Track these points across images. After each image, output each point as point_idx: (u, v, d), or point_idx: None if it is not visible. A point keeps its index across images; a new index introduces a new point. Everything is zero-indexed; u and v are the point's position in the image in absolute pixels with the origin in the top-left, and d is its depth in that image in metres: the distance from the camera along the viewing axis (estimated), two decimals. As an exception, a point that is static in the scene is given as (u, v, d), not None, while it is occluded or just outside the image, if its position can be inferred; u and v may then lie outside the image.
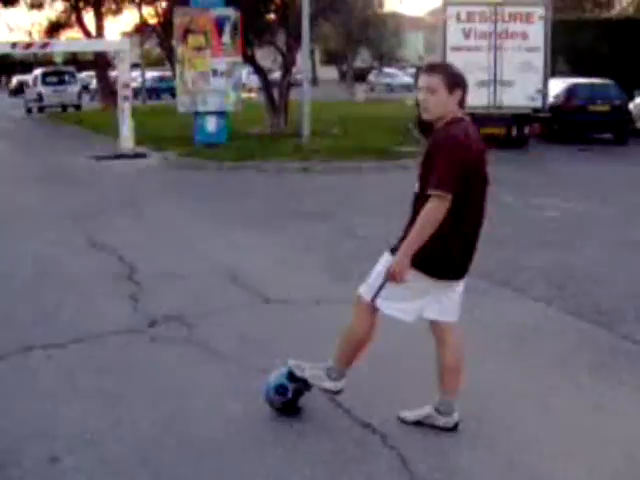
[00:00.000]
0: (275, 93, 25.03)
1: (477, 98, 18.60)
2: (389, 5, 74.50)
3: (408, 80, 54.46)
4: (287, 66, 25.10)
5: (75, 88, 44.38)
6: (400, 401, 5.27)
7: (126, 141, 21.15)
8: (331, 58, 74.02)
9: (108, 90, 41.81)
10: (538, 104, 20.63)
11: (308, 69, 21.63)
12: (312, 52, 41.37)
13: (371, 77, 61.67)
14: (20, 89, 59.96)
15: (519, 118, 20.76)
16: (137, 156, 20.36)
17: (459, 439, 4.87)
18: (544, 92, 20.57)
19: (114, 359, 6.29)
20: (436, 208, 4.44)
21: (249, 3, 21.79)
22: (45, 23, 46.52)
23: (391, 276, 4.59)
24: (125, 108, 21.28)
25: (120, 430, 5.05)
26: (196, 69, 20.50)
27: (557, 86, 22.41)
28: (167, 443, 4.87)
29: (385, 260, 4.76)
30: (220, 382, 5.72)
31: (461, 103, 4.68)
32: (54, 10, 46.12)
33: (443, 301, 4.86)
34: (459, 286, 4.91)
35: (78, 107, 43.73)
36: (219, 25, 20.48)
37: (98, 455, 4.74)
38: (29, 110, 44.17)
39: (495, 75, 20.14)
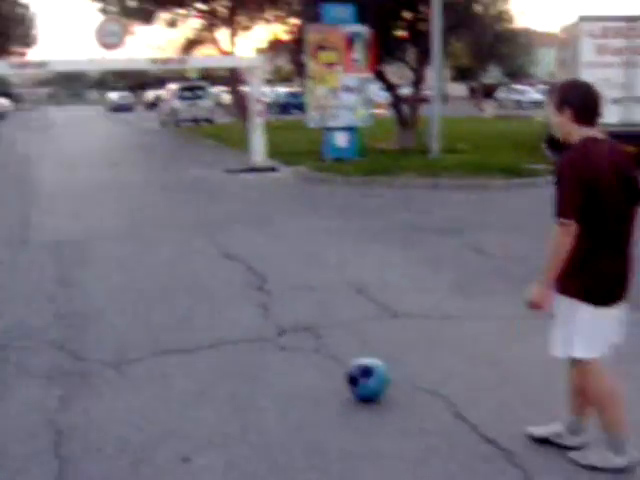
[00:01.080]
0: (405, 109, 25.06)
1: (610, 115, 18.22)
2: (521, 21, 73.58)
3: (538, 97, 53.64)
4: (417, 82, 25.11)
5: (208, 103, 45.47)
6: (525, 418, 5.24)
7: (257, 155, 21.54)
8: (461, 74, 73.62)
9: (240, 105, 42.62)
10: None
11: (438, 85, 21.58)
12: (442, 68, 41.25)
13: (500, 93, 61.00)
14: (155, 103, 61.84)
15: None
16: (268, 170, 20.71)
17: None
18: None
19: (245, 366, 6.44)
20: (559, 236, 4.38)
21: (380, 20, 21.90)
22: (180, 40, 47.76)
23: (532, 305, 4.56)
24: (257, 123, 21.69)
25: (250, 434, 5.17)
26: (327, 85, 20.71)
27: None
28: (295, 450, 4.97)
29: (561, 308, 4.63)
30: (348, 393, 5.78)
31: (578, 121, 4.51)
32: (189, 28, 47.33)
33: None
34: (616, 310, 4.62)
35: (211, 121, 44.70)
36: (350, 41, 20.67)
37: (228, 457, 4.88)
38: (163, 123, 45.42)
39: (630, 92, 19.67)
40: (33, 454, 5.01)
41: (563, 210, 4.38)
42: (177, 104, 43.93)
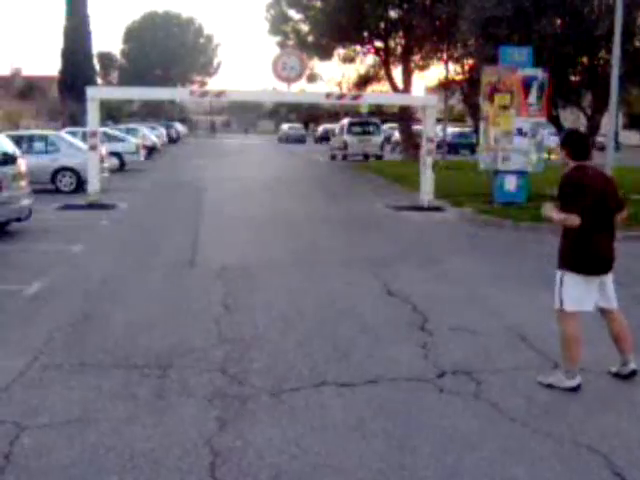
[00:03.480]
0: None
1: None
2: None
3: None
4: (592, 128, 24.60)
5: (379, 139, 45.88)
6: None
7: (426, 194, 21.56)
8: (634, 122, 71.69)
9: (410, 143, 42.82)
10: None
11: (612, 132, 21.05)
12: (616, 116, 40.27)
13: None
14: (326, 137, 62.90)
15: None
16: (435, 209, 20.71)
17: None
18: None
19: (402, 404, 6.45)
20: (570, 221, 6.70)
21: (557, 64, 21.63)
22: (355, 76, 48.47)
23: (545, 218, 6.98)
24: (428, 161, 21.74)
25: (403, 474, 5.18)
26: (500, 127, 20.58)
27: None
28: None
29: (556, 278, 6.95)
30: (504, 442, 5.71)
31: (572, 157, 6.87)
32: (364, 64, 48.00)
33: (606, 292, 6.96)
34: (609, 279, 6.96)
35: (380, 157, 45.05)
36: (526, 85, 20.49)
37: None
38: (333, 157, 46.09)
39: None
40: (188, 472, 5.17)
41: (570, 208, 6.61)
42: (348, 138, 44.47)
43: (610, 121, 20.32)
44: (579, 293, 6.77)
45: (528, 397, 6.61)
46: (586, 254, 6.72)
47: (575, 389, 6.75)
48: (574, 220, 6.56)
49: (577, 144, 6.93)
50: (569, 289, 6.78)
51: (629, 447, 5.67)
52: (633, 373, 7.04)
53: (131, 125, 47.92)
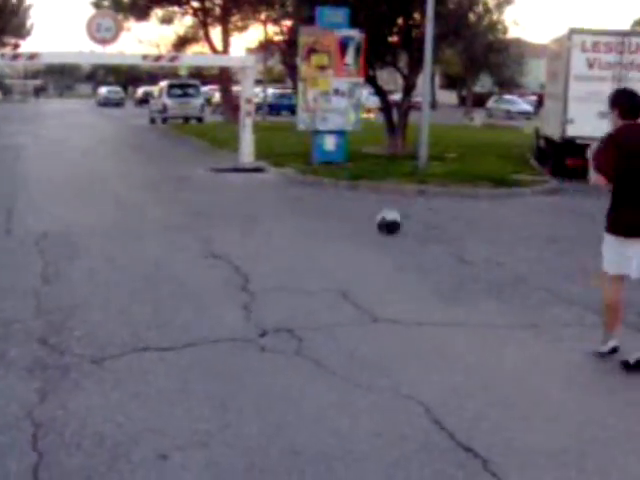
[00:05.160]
0: (394, 115, 25.12)
1: (598, 129, 18.31)
2: (513, 31, 73.66)
3: (528, 107, 53.79)
4: (408, 89, 25.17)
5: (198, 101, 45.39)
6: (504, 427, 5.30)
7: (246, 155, 21.58)
8: (451, 82, 73.94)
9: (231, 105, 42.64)
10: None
11: (428, 92, 21.62)
12: (433, 76, 41.34)
13: (490, 103, 61.15)
14: (145, 100, 61.78)
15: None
16: (256, 170, 20.74)
17: (562, 471, 4.87)
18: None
19: (225, 365, 6.46)
20: (597, 178, 6.56)
21: (373, 25, 21.96)
22: (173, 37, 47.83)
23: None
24: (247, 123, 21.74)
25: (228, 434, 5.20)
26: (318, 88, 20.76)
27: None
28: (273, 451, 4.99)
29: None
30: (327, 396, 5.82)
31: (622, 116, 6.69)
32: (183, 25, 47.42)
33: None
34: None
35: (200, 120, 44.64)
36: (343, 46, 20.72)
37: (205, 456, 4.90)
38: (153, 120, 45.35)
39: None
40: (10, 445, 5.03)
41: (599, 165, 6.50)
42: (167, 101, 43.82)
43: (425, 80, 20.83)
44: (613, 255, 6.72)
45: (348, 352, 6.75)
46: (616, 214, 6.66)
47: (606, 354, 6.77)
48: (598, 179, 6.53)
49: (627, 103, 6.75)
50: (605, 250, 6.79)
51: (445, 395, 5.89)
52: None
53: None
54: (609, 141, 6.59)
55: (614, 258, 6.70)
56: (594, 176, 6.56)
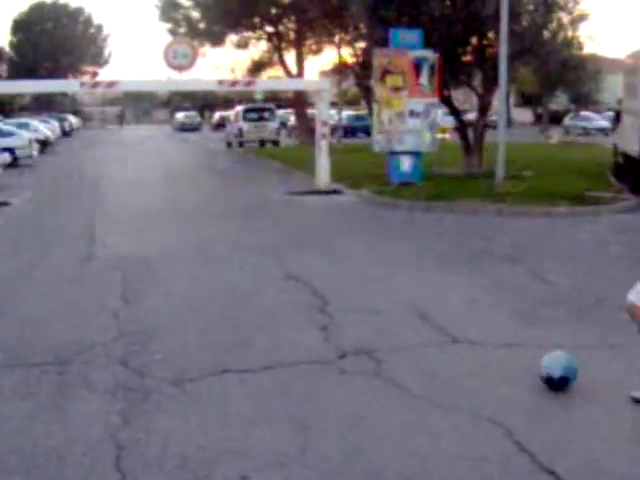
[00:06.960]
0: (470, 134, 25.00)
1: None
2: (588, 47, 72.85)
3: (605, 124, 52.98)
4: (483, 108, 25.01)
5: (274, 125, 45.81)
6: (587, 450, 5.24)
7: (322, 178, 21.69)
8: (526, 100, 73.19)
9: (306, 128, 42.92)
10: None
11: (504, 111, 21.48)
12: (508, 94, 41.06)
13: (567, 120, 60.38)
14: (222, 124, 62.54)
15: None
16: (332, 192, 20.84)
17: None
18: None
19: (304, 387, 6.50)
20: None
21: (447, 45, 21.93)
22: (248, 62, 48.34)
23: None
24: (322, 146, 21.86)
25: (307, 456, 5.23)
26: (393, 109, 20.78)
27: None
28: (353, 472, 5.01)
29: None
30: (407, 417, 5.82)
31: None
32: (258, 50, 47.93)
33: None
34: None
35: (276, 143, 45.03)
36: (417, 66, 20.72)
37: (284, 477, 4.95)
38: (229, 144, 45.89)
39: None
40: (92, 467, 5.13)
41: None
42: (243, 125, 44.30)
43: (500, 99, 20.72)
44: None
45: (427, 373, 6.74)
46: None
47: None
48: None
49: None
50: None
51: (527, 416, 5.84)
52: None
53: (23, 119, 46.84)
54: None
55: None
56: None
